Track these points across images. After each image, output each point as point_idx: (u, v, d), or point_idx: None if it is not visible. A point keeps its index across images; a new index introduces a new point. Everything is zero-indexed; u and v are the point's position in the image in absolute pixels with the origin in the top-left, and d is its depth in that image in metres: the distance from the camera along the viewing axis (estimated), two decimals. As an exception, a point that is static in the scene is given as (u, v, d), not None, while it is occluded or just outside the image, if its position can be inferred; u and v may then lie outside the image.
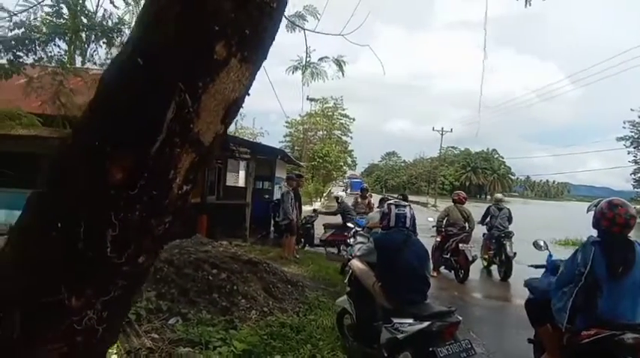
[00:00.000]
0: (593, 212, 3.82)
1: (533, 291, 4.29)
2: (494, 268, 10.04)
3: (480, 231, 10.36)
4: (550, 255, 4.58)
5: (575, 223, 4.26)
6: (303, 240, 11.49)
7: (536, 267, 4.64)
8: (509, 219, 10.18)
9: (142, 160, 1.17)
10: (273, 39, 1.47)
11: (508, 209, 10.40)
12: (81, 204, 1.19)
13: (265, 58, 1.47)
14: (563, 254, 4.69)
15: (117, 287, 1.25)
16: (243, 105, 1.42)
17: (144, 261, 1.28)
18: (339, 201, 12.16)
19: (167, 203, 1.25)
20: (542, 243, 4.87)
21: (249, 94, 1.49)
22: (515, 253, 9.23)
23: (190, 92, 1.20)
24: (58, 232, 1.17)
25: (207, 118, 1.26)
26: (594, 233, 3.78)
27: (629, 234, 3.67)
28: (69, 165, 1.25)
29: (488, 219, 10.32)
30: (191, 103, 1.20)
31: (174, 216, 1.30)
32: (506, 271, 9.37)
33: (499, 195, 11.27)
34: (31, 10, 6.20)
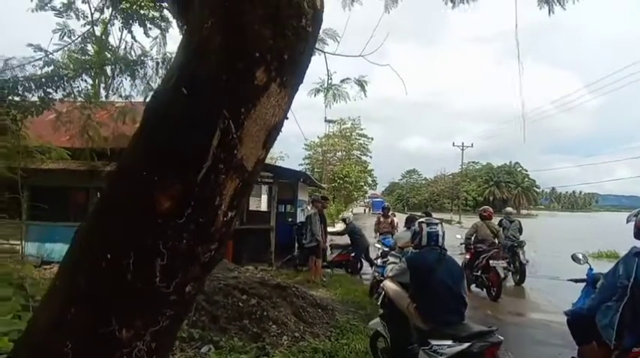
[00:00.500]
0: (633, 222, 3.69)
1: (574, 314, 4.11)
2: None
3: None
4: (590, 269, 4.41)
5: (607, 234, 4.09)
6: (298, 261, 11.37)
7: (576, 281, 4.48)
8: (520, 231, 11.16)
9: (188, 188, 1.18)
10: (309, 62, 1.48)
11: (518, 221, 11.51)
12: (129, 235, 1.19)
13: (302, 82, 1.48)
14: (599, 268, 4.52)
15: (165, 317, 1.23)
16: (281, 129, 1.43)
17: (191, 290, 1.27)
18: (347, 221, 12.15)
19: (213, 230, 1.24)
20: (580, 256, 4.69)
21: (287, 118, 1.50)
22: (527, 260, 10.00)
23: (234, 118, 1.21)
24: (107, 263, 1.18)
25: (249, 144, 1.26)
26: (633, 243, 3.64)
27: None
28: (116, 195, 1.27)
29: (500, 230, 10.21)
30: (235, 129, 1.21)
31: (219, 243, 1.29)
32: (520, 276, 10.15)
33: (509, 209, 12.38)
34: (65, 49, 6.48)
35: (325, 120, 43.70)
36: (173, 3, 1.87)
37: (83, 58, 10.58)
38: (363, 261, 11.44)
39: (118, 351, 1.18)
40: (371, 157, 60.44)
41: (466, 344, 3.23)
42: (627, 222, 3.85)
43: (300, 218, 14.98)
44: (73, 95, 8.93)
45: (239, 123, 1.22)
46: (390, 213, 13.44)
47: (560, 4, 4.23)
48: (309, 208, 17.30)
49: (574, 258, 4.72)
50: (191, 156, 1.18)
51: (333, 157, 53.20)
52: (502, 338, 3.37)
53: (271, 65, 1.26)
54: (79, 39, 8.92)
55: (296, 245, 12.21)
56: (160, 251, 1.17)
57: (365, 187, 61.78)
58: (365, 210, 72.93)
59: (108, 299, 1.18)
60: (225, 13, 1.26)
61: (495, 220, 10.71)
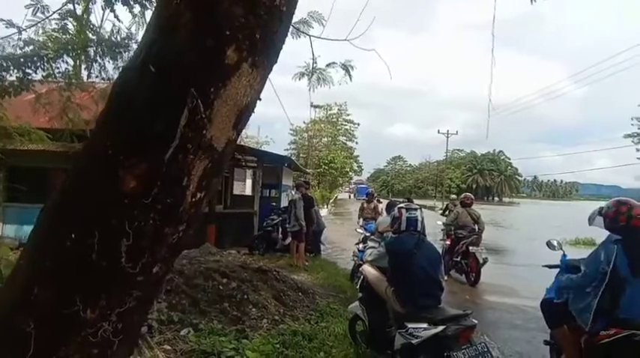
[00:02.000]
0: (598, 218, 3.80)
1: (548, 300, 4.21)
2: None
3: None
4: (564, 255, 4.50)
5: (585, 222, 4.22)
6: (264, 243, 11.21)
7: (551, 267, 4.56)
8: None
9: (155, 168, 1.16)
10: (283, 42, 1.46)
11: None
12: (95, 214, 1.17)
13: (276, 62, 1.46)
14: (576, 254, 4.62)
15: (132, 298, 1.22)
16: (253, 110, 1.41)
17: (158, 271, 1.26)
18: (290, 199, 11.74)
19: (181, 211, 1.23)
20: (555, 243, 4.77)
21: (260, 99, 1.48)
22: (486, 259, 9.27)
23: (203, 98, 1.18)
24: (72, 243, 1.16)
25: (219, 124, 1.24)
26: (605, 234, 3.73)
27: None
28: (82, 175, 1.24)
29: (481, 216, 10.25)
30: (204, 109, 1.19)
31: (188, 224, 1.28)
32: (475, 276, 9.39)
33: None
34: (39, 25, 6.25)
35: (311, 106, 43.35)
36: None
37: (64, 37, 10.27)
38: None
39: (83, 331, 1.17)
40: (357, 143, 60.53)
41: (441, 327, 3.29)
42: (590, 223, 3.96)
43: (284, 203, 14.97)
44: (53, 76, 8.70)
45: (208, 103, 1.20)
46: (374, 199, 13.49)
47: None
48: (292, 193, 17.29)
49: (549, 244, 4.80)
50: (158, 135, 1.16)
51: (319, 143, 53.06)
52: (476, 321, 3.43)
53: (243, 44, 1.24)
54: (59, 18, 8.64)
55: (279, 229, 12.18)
56: (125, 231, 1.16)
57: (350, 173, 61.95)
58: (350, 196, 73.33)
59: (72, 279, 1.16)
60: (195, -11, 1.23)
61: (478, 207, 10.80)
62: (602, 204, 3.95)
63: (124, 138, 1.18)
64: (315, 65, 5.47)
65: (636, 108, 52.08)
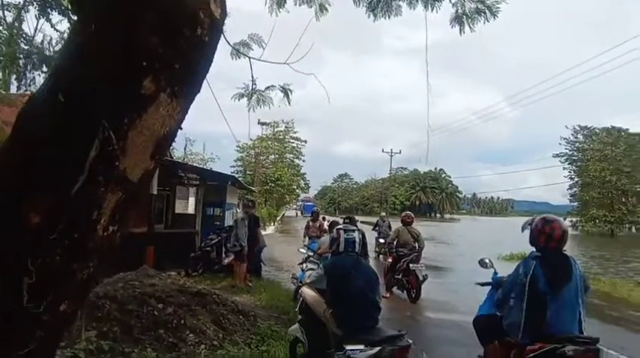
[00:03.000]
0: (528, 230, 4.01)
1: (480, 315, 4.37)
2: None
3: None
4: (495, 273, 4.71)
5: (519, 238, 4.50)
6: (201, 264, 10.89)
7: (482, 284, 4.76)
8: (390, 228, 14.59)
9: (61, 202, 1.10)
10: (207, 72, 1.45)
11: (389, 221, 16.82)
12: (-7, 251, 1.09)
13: (199, 91, 1.45)
14: (508, 270, 4.85)
15: (35, 340, 1.15)
16: (175, 139, 1.39)
17: (66, 309, 1.19)
18: (234, 218, 11.74)
19: (91, 246, 1.17)
20: (487, 261, 4.97)
21: (181, 128, 1.45)
22: (426, 276, 9.42)
23: (115, 129, 1.15)
24: (-34, 283, 1.07)
25: (134, 155, 1.21)
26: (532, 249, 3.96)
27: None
28: (-20, 209, 1.16)
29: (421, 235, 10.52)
30: (116, 140, 1.15)
31: (100, 259, 1.22)
32: (416, 292, 9.47)
33: (383, 214, 17.68)
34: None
35: (258, 123, 43.26)
36: None
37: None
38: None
39: (-22, 379, 1.08)
40: (304, 161, 60.77)
41: (377, 349, 3.32)
42: (522, 230, 4.18)
43: (229, 221, 14.68)
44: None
45: (121, 134, 1.16)
46: (319, 217, 13.57)
47: (470, 26, 4.51)
48: (238, 211, 16.95)
49: (481, 263, 5.01)
50: (65, 168, 1.11)
51: (265, 160, 52.82)
52: (411, 341, 3.51)
53: (160, 74, 1.22)
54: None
55: (223, 249, 11.90)
56: (28, 269, 1.09)
57: (297, 190, 61.96)
58: (297, 213, 73.17)
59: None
60: (111, 16, 1.20)
61: (420, 224, 11.14)
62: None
63: (28, 170, 1.12)
64: (254, 87, 5.47)
65: (565, 129, 56.12)
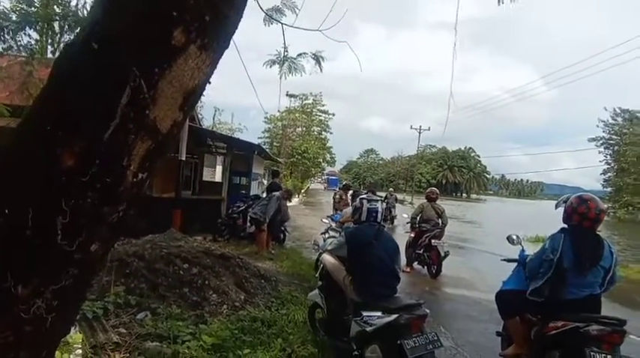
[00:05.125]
0: (562, 208, 3.92)
1: (502, 292, 4.35)
2: None
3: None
4: (523, 250, 4.65)
5: (546, 221, 4.40)
6: (227, 230, 11.14)
7: (509, 260, 4.72)
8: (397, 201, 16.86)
9: (94, 146, 1.15)
10: (236, 27, 1.45)
11: (396, 196, 22.14)
12: (30, 191, 1.15)
13: (227, 47, 1.45)
14: (534, 250, 4.79)
15: (68, 276, 1.22)
16: (204, 93, 1.41)
17: (97, 249, 1.25)
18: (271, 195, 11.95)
19: (121, 191, 1.22)
20: (515, 238, 4.91)
21: (210, 83, 1.47)
22: (447, 252, 9.35)
23: (146, 78, 1.18)
24: (4, 218, 1.14)
25: (164, 105, 1.24)
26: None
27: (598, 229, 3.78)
28: (20, 150, 1.22)
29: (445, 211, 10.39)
30: (147, 89, 1.18)
31: (129, 204, 1.27)
32: (437, 268, 9.47)
33: (391, 189, 17.01)
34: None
35: (287, 94, 43.28)
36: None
37: (28, 9, 9.83)
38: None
39: (15, 307, 1.15)
40: (331, 134, 60.58)
41: (394, 316, 3.38)
42: (556, 208, 4.09)
43: (254, 191, 14.90)
44: (14, 49, 8.34)
45: (152, 83, 1.19)
46: (350, 190, 13.82)
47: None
48: (264, 182, 17.11)
49: (509, 239, 4.95)
50: (98, 113, 1.15)
51: (292, 132, 52.89)
52: (428, 311, 3.55)
53: (191, 26, 1.23)
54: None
55: (247, 217, 12.12)
56: (61, 209, 1.14)
57: (323, 164, 62.05)
58: (324, 187, 73.58)
59: (4, 254, 1.14)
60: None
61: (446, 203, 11.04)
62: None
63: (64, 115, 1.16)
64: (286, 54, 5.45)
65: (603, 112, 53.72)
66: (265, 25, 5.43)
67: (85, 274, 1.29)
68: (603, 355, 3.19)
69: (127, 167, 1.21)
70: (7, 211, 1.14)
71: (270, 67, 5.94)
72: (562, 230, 3.76)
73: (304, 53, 5.68)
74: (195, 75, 1.30)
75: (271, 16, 5.35)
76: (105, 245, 1.29)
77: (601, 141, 55.29)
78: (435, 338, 3.37)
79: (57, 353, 3.08)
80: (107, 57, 1.16)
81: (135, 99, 1.17)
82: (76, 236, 1.19)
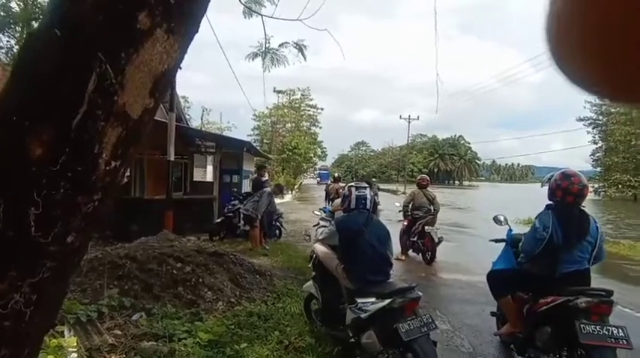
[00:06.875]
0: (547, 185, 3.96)
1: (494, 270, 4.39)
2: None
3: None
4: (510, 230, 4.69)
5: (537, 202, 4.45)
6: (224, 231, 11.11)
7: (497, 241, 4.75)
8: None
9: (63, 134, 1.13)
10: (204, 11, 1.44)
11: (378, 186, 15.48)
12: (1, 182, 1.13)
13: (197, 31, 1.44)
14: (523, 230, 4.82)
15: (46, 269, 1.20)
16: (173, 78, 1.39)
17: (73, 241, 1.23)
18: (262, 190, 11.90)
19: (94, 179, 1.20)
20: (502, 218, 4.94)
21: (180, 68, 1.45)
22: (441, 238, 9.41)
23: (112, 63, 1.16)
24: (-25, 213, 1.12)
25: (133, 90, 1.22)
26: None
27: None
28: (-14, 143, 1.19)
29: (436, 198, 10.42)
30: (114, 75, 1.16)
31: (104, 193, 1.26)
32: (431, 255, 9.55)
33: (374, 179, 15.61)
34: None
35: (274, 91, 43.10)
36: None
37: (3, 14, 9.69)
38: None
39: (-8, 303, 1.14)
40: (321, 128, 60.58)
41: (387, 301, 3.39)
42: (542, 186, 4.13)
43: (246, 188, 14.84)
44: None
45: (119, 69, 1.17)
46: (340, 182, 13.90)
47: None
48: (269, 190, 17.07)
49: (495, 220, 4.98)
50: (65, 101, 1.13)
51: (282, 128, 52.79)
52: (421, 294, 3.56)
53: (156, 9, 1.21)
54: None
55: (240, 215, 12.08)
56: (33, 200, 1.13)
57: (314, 159, 62.02)
58: (317, 181, 73.62)
59: (-24, 249, 1.12)
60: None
61: (438, 190, 11.08)
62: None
63: (30, 104, 1.14)
64: (268, 45, 5.41)
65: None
66: (245, 17, 5.40)
67: (64, 266, 1.27)
68: (592, 326, 3.23)
69: (98, 155, 1.19)
70: (-23, 205, 1.12)
71: (253, 59, 5.92)
72: (547, 206, 3.80)
73: (286, 43, 5.66)
74: (164, 59, 1.28)
75: (250, 8, 5.32)
76: (81, 236, 1.27)
77: (589, 121, 55.77)
78: (430, 320, 3.38)
79: (51, 357, 3.05)
80: (71, 42, 1.14)
81: (102, 85, 1.15)
82: (51, 227, 1.17)
